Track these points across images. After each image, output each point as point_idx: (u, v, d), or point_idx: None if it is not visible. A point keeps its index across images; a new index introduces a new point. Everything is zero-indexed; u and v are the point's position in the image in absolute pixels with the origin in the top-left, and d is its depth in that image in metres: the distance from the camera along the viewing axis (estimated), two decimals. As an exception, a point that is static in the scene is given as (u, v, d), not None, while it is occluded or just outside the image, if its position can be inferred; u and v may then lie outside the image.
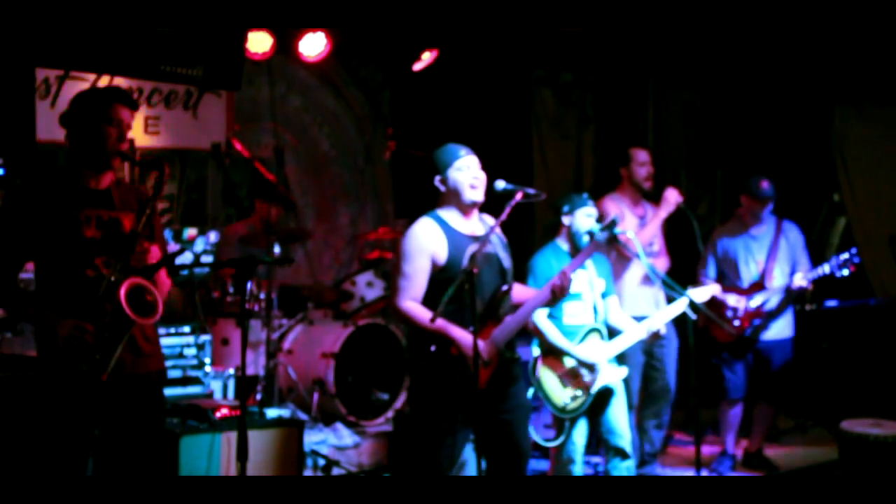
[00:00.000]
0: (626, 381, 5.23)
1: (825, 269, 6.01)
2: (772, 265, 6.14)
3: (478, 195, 4.10)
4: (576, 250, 5.05)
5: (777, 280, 6.12)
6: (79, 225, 3.48)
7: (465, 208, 4.13)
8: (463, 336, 3.93)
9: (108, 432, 3.52)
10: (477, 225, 4.17)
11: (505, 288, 4.13)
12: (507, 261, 4.20)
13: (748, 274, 6.18)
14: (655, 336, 5.17)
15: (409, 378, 4.23)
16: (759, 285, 6.13)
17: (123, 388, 3.49)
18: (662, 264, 5.98)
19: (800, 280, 6.02)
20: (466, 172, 4.09)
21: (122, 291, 3.35)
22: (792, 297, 6.19)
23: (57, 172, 3.61)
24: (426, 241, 4.03)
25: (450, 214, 4.13)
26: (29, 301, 3.54)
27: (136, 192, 3.73)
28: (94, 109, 3.54)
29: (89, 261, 3.48)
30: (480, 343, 3.95)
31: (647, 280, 5.83)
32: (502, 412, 4.08)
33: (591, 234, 4.77)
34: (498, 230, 4.21)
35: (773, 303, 6.13)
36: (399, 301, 4.02)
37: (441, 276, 4.00)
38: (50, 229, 3.46)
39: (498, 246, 4.19)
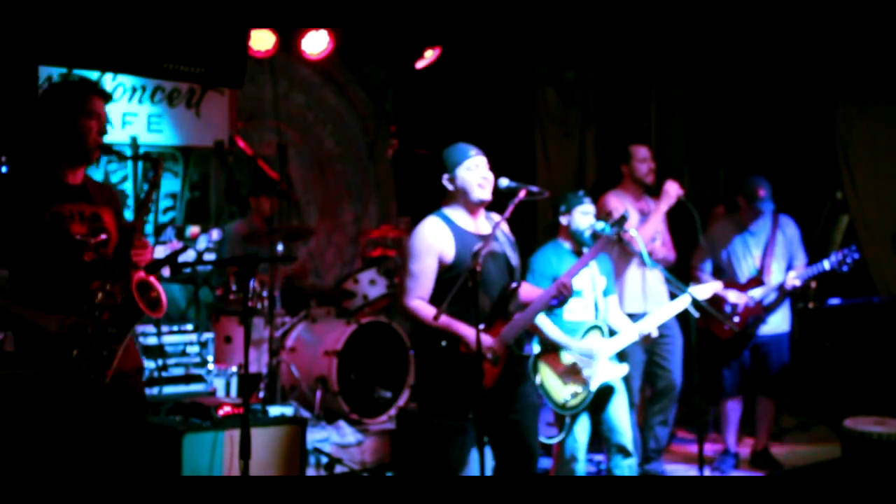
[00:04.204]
0: (627, 380, 5.24)
1: (825, 265, 6.01)
2: (769, 261, 6.15)
3: (486, 194, 4.11)
4: (578, 248, 5.09)
5: (775, 276, 6.12)
6: (62, 220, 3.44)
7: (472, 207, 4.13)
8: (470, 333, 3.92)
9: (102, 428, 3.50)
10: (483, 223, 4.18)
11: (514, 285, 4.14)
12: (514, 259, 4.21)
13: (746, 269, 6.19)
14: (646, 339, 5.18)
15: (416, 376, 4.20)
16: (756, 281, 6.13)
17: (115, 384, 3.46)
18: (663, 254, 5.96)
19: (792, 279, 6.04)
20: (475, 172, 4.10)
21: (133, 285, 3.37)
22: (787, 293, 6.19)
23: (33, 167, 3.53)
24: (433, 240, 4.03)
25: (456, 213, 4.13)
26: (11, 300, 3.43)
27: (105, 186, 3.72)
28: (71, 102, 3.49)
29: (78, 257, 3.45)
30: (490, 340, 3.96)
31: (647, 277, 5.83)
32: (511, 412, 4.07)
33: (596, 233, 4.79)
34: (506, 228, 4.22)
35: (771, 298, 6.13)
36: (406, 300, 4.02)
37: (448, 275, 4.00)
38: (34, 226, 3.40)
39: (505, 244, 4.20)
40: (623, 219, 4.71)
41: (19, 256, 3.43)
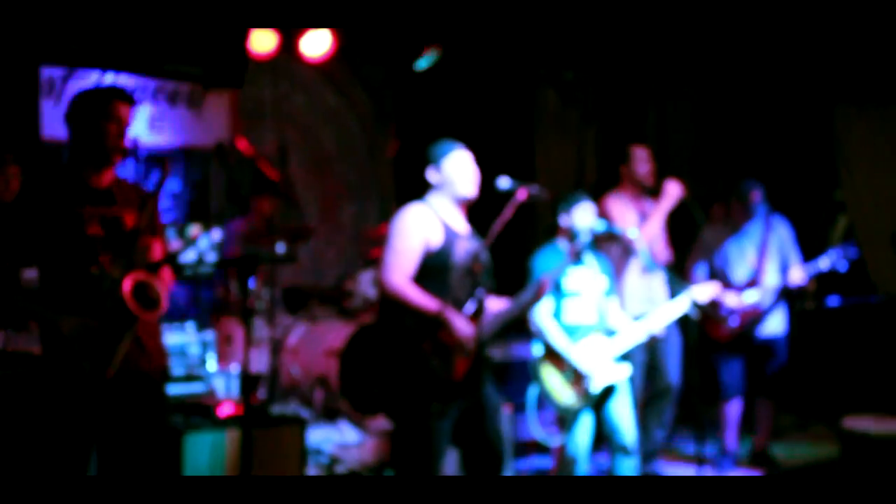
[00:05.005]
0: (630, 379, 5.24)
1: (825, 261, 6.01)
2: (764, 263, 6.15)
3: (472, 190, 4.09)
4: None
5: (770, 277, 6.12)
6: (81, 223, 3.50)
7: (457, 202, 4.12)
8: (465, 325, 3.90)
9: (111, 429, 3.53)
10: (463, 222, 4.16)
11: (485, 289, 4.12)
12: (488, 259, 4.21)
13: (742, 272, 6.19)
14: (652, 339, 5.19)
15: (382, 369, 4.02)
16: (753, 283, 6.14)
17: (127, 385, 3.50)
18: (666, 256, 5.97)
19: (797, 276, 6.03)
20: (462, 166, 4.09)
21: (126, 287, 3.38)
22: (785, 292, 6.20)
23: (59, 171, 3.63)
24: (421, 224, 3.98)
25: (441, 205, 4.09)
26: (33, 299, 3.53)
27: (137, 188, 3.75)
28: (94, 107, 3.55)
29: (93, 259, 3.50)
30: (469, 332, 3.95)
31: (648, 278, 5.84)
32: (478, 410, 4.03)
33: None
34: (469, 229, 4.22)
35: (768, 300, 6.14)
36: (389, 275, 3.91)
37: (430, 262, 3.96)
38: (53, 228, 3.47)
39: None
40: (578, 254, 4.83)
41: (43, 258, 3.51)
